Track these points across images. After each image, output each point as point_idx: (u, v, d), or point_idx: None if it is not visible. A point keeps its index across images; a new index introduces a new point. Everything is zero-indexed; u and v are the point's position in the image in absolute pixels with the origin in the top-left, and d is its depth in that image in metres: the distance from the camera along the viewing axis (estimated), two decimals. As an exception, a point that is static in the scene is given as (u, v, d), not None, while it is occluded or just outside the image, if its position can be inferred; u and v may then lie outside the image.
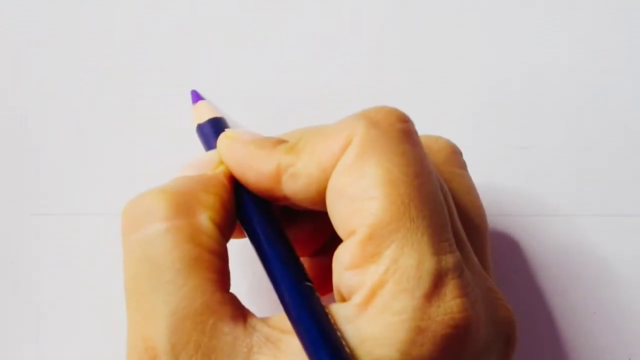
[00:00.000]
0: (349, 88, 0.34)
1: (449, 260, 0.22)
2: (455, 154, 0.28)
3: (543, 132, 0.34)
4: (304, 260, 0.29)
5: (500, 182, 0.33)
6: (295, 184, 0.24)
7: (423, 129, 0.32)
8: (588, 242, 0.33)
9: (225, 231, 0.25)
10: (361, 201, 0.22)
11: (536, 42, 0.34)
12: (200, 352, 0.22)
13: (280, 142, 0.25)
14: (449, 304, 0.22)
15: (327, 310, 0.22)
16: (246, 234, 0.26)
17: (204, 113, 0.31)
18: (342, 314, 0.22)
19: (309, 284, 0.23)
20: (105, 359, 0.31)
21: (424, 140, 0.27)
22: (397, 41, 0.34)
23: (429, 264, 0.22)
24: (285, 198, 0.25)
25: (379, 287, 0.22)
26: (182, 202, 0.24)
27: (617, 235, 0.33)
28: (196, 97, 0.32)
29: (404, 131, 0.24)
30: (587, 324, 0.32)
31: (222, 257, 0.24)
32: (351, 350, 0.21)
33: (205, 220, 0.24)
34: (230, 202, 0.25)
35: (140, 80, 0.34)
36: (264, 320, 0.23)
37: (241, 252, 0.30)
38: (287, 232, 0.26)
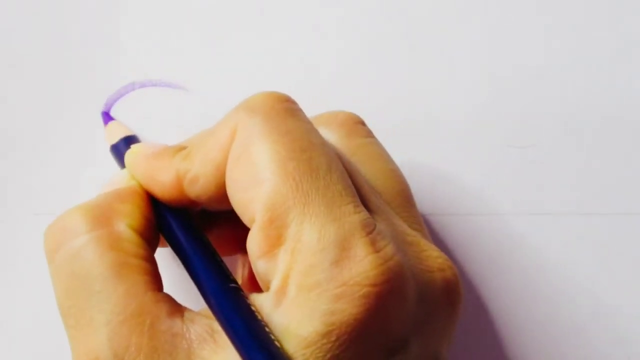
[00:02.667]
0: (344, 88, 0.34)
1: (353, 221, 0.22)
2: (357, 124, 0.28)
3: (543, 132, 0.34)
4: (239, 257, 0.29)
5: (500, 182, 0.33)
6: (196, 188, 0.25)
7: (423, 128, 0.32)
8: (588, 241, 0.33)
9: (148, 238, 0.25)
10: (254, 187, 0.23)
11: (536, 42, 0.34)
12: (143, 353, 0.22)
13: (178, 150, 0.26)
14: (361, 263, 0.21)
15: (253, 306, 0.22)
16: (170, 246, 0.26)
17: (115, 133, 0.31)
18: (266, 303, 0.22)
19: (234, 285, 0.23)
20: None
21: (321, 117, 0.28)
22: (395, 41, 0.34)
23: (330, 232, 0.22)
24: (194, 203, 0.25)
25: (290, 269, 0.22)
26: (98, 214, 0.24)
27: (617, 234, 0.33)
28: (107, 118, 0.33)
29: (284, 110, 0.24)
30: (586, 324, 0.32)
31: (149, 261, 0.24)
32: (280, 342, 0.21)
33: (124, 227, 0.24)
34: (148, 210, 0.26)
35: (140, 81, 0.34)
36: (199, 312, 0.23)
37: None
38: (213, 234, 0.27)
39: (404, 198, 0.27)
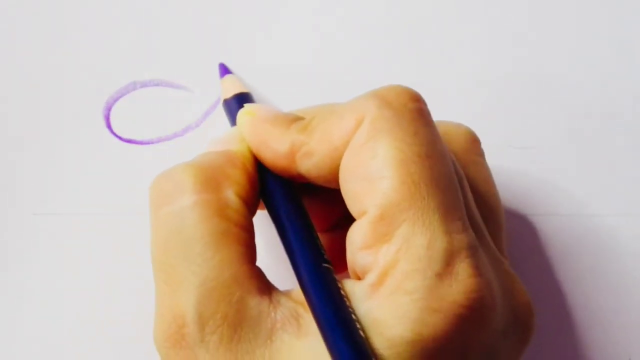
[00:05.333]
0: (344, 88, 0.34)
1: (462, 239, 0.22)
2: (474, 142, 0.28)
3: (543, 132, 0.34)
4: (320, 236, 0.29)
5: (501, 182, 0.33)
6: (308, 163, 0.24)
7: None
8: (588, 242, 0.33)
9: (251, 206, 0.25)
10: (372, 181, 0.22)
11: (536, 42, 0.34)
12: (227, 323, 0.22)
13: (295, 119, 0.26)
14: (462, 284, 0.21)
15: (343, 291, 0.22)
16: (268, 213, 0.26)
17: (230, 88, 0.31)
18: (357, 293, 0.22)
19: (327, 265, 0.23)
20: (105, 357, 0.31)
21: (444, 126, 0.27)
22: (396, 42, 0.34)
23: (440, 243, 0.22)
24: (301, 176, 0.25)
25: (391, 267, 0.22)
26: (209, 176, 0.24)
27: (617, 234, 0.33)
28: (224, 70, 0.32)
29: (416, 110, 0.24)
30: (587, 323, 0.32)
31: (248, 231, 0.24)
32: (365, 333, 0.21)
33: (232, 195, 0.24)
34: (255, 177, 0.26)
35: (140, 80, 0.34)
36: (287, 294, 0.23)
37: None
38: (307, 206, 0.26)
39: (499, 224, 0.27)
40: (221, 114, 0.33)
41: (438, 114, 0.33)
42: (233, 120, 0.29)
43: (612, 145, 0.34)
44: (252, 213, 0.25)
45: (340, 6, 0.35)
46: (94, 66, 0.34)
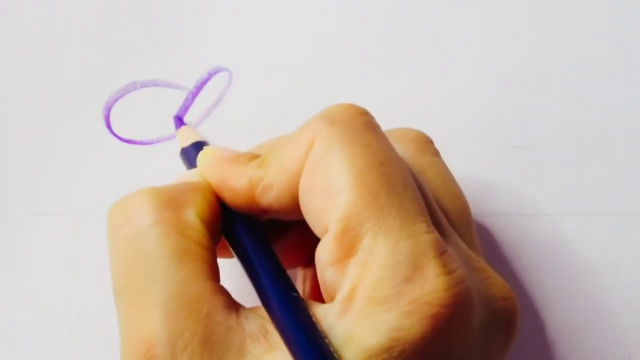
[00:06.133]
0: (344, 89, 0.34)
1: (427, 240, 0.22)
2: (427, 143, 0.29)
3: (543, 132, 0.34)
4: (299, 270, 0.29)
5: (500, 182, 0.33)
6: (269, 196, 0.25)
7: (423, 128, 0.32)
8: (588, 241, 0.33)
9: (212, 229, 0.25)
10: (330, 197, 0.23)
11: (536, 42, 0.34)
12: (196, 340, 0.22)
13: (252, 157, 0.26)
14: (433, 284, 0.21)
15: (314, 317, 0.22)
16: (232, 250, 0.26)
17: (187, 137, 0.31)
18: (330, 314, 0.22)
19: (296, 294, 0.23)
20: (105, 357, 0.31)
21: (393, 133, 0.28)
22: (396, 41, 0.34)
23: (405, 248, 0.22)
24: (264, 211, 0.25)
25: (360, 281, 0.22)
26: (169, 198, 0.24)
27: (617, 234, 0.33)
28: (179, 122, 0.33)
29: (364, 123, 0.24)
30: (587, 323, 0.32)
31: (211, 251, 0.24)
32: (339, 353, 0.21)
33: (193, 215, 0.24)
34: (217, 206, 0.26)
35: (140, 80, 0.34)
36: (253, 310, 0.23)
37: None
38: (277, 245, 0.26)
39: (467, 220, 0.27)
40: (221, 113, 0.33)
41: (438, 114, 0.34)
42: (191, 167, 0.29)
43: (612, 145, 0.34)
44: (214, 239, 0.25)
45: (340, 6, 0.35)
46: (94, 66, 0.34)
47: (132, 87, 0.33)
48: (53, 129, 0.33)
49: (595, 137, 0.34)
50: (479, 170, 0.33)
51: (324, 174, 0.23)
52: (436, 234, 0.22)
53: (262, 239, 0.25)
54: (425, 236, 0.22)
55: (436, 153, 0.29)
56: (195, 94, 0.33)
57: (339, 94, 0.34)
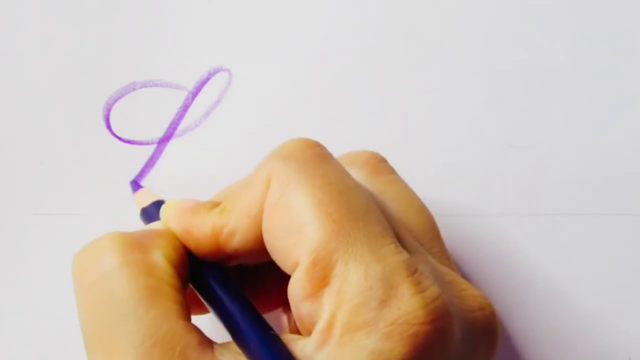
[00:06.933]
0: (343, 89, 0.34)
1: (397, 261, 0.22)
2: (381, 162, 0.29)
3: (543, 132, 0.34)
4: (282, 312, 0.29)
5: (500, 182, 0.33)
6: (234, 242, 0.25)
7: (422, 129, 0.32)
8: (588, 242, 0.33)
9: (181, 273, 0.25)
10: (295, 232, 0.23)
11: (536, 42, 0.34)
12: None
13: (214, 205, 0.26)
14: (408, 303, 0.21)
15: (293, 352, 0.22)
16: (202, 297, 0.26)
17: (145, 198, 0.31)
18: (309, 347, 0.22)
19: (272, 332, 0.23)
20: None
21: (346, 157, 0.28)
22: (396, 40, 0.34)
23: (376, 271, 0.22)
24: (231, 257, 0.25)
25: (336, 309, 0.22)
26: (135, 241, 0.24)
27: (617, 234, 0.33)
28: (136, 186, 0.33)
29: (316, 155, 0.24)
30: (587, 323, 0.32)
31: (180, 291, 0.24)
32: None
33: (159, 256, 0.24)
34: (183, 251, 0.25)
35: (140, 80, 0.34)
36: (227, 346, 0.23)
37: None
38: (255, 290, 0.27)
39: (433, 234, 0.27)
40: (221, 114, 0.33)
41: (437, 115, 0.34)
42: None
43: (611, 145, 0.34)
44: (183, 282, 0.25)
45: (340, 6, 0.35)
46: (94, 66, 0.34)
47: (132, 87, 0.33)
48: (53, 129, 0.33)
49: (595, 136, 0.34)
50: (479, 170, 0.33)
51: (286, 211, 0.23)
52: (405, 254, 0.23)
53: (232, 283, 0.25)
54: (394, 257, 0.22)
55: (392, 171, 0.29)
56: (195, 94, 0.33)
57: (339, 94, 0.34)
